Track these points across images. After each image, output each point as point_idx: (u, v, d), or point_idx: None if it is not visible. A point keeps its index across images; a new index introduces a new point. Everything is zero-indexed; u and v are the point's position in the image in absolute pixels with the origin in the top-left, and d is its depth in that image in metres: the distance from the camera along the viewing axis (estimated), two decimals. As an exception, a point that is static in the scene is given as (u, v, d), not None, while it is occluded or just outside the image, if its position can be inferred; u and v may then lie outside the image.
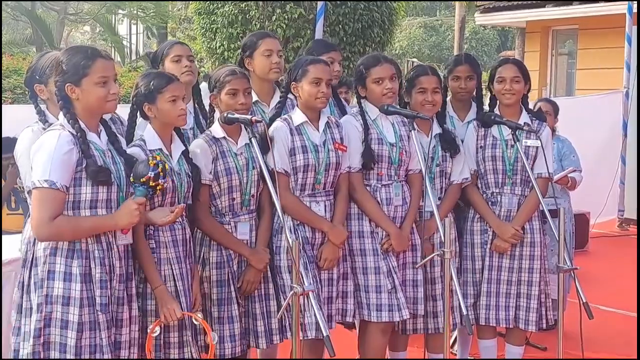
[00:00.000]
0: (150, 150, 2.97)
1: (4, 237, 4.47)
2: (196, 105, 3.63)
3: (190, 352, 3.02)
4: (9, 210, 5.38)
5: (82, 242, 2.67)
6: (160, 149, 3.01)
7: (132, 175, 2.74)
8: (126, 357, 2.77)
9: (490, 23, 15.21)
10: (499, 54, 24.59)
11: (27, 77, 3.15)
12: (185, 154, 3.12)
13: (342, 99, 4.00)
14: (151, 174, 2.70)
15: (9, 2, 20.58)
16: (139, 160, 2.79)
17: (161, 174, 2.72)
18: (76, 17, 23.72)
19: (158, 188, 2.74)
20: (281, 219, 2.97)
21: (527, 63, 13.22)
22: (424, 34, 28.93)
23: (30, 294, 2.69)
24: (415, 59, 24.20)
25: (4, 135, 5.45)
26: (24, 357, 2.69)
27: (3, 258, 3.71)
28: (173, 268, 2.99)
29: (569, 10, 11.74)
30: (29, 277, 2.69)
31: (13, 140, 5.30)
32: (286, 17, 9.66)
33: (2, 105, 8.73)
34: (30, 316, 2.68)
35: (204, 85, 3.64)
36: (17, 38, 21.93)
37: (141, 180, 2.70)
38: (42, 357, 2.63)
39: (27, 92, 3.22)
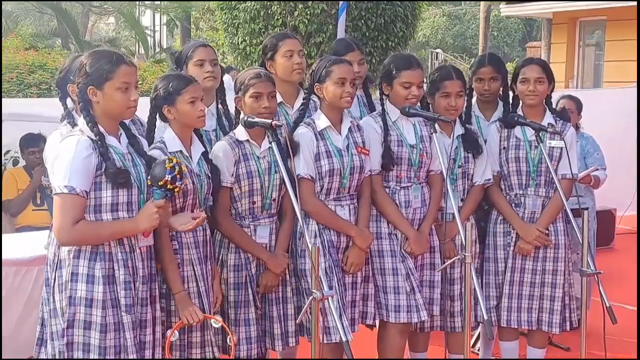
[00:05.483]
0: (170, 153, 2.97)
1: (30, 233, 4.57)
2: (219, 105, 3.55)
3: (212, 351, 3.06)
4: (35, 206, 5.47)
5: (105, 245, 2.70)
6: (181, 151, 3.02)
7: (149, 178, 2.74)
8: (150, 358, 2.81)
9: (516, 14, 15.04)
10: (524, 45, 24.27)
11: (59, 77, 3.17)
12: (205, 155, 3.13)
13: (372, 98, 3.92)
14: (168, 177, 2.69)
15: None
16: (156, 162, 2.77)
17: (178, 176, 2.71)
18: (100, 9, 23.90)
19: (176, 190, 2.74)
20: (301, 223, 2.97)
21: (553, 54, 13.11)
22: (448, 22, 28.60)
23: (55, 295, 2.74)
24: (439, 50, 24.00)
25: (29, 131, 5.56)
26: (48, 357, 2.75)
27: (29, 255, 3.80)
28: (195, 269, 3.02)
29: (597, 1, 11.56)
30: (54, 279, 2.74)
31: (37, 136, 5.42)
32: (308, 12, 9.61)
33: (29, 99, 8.89)
34: (57, 317, 2.73)
35: (227, 78, 3.58)
36: (42, 31, 22.14)
37: (159, 183, 2.70)
38: (66, 357, 2.67)
39: (52, 88, 3.25)
